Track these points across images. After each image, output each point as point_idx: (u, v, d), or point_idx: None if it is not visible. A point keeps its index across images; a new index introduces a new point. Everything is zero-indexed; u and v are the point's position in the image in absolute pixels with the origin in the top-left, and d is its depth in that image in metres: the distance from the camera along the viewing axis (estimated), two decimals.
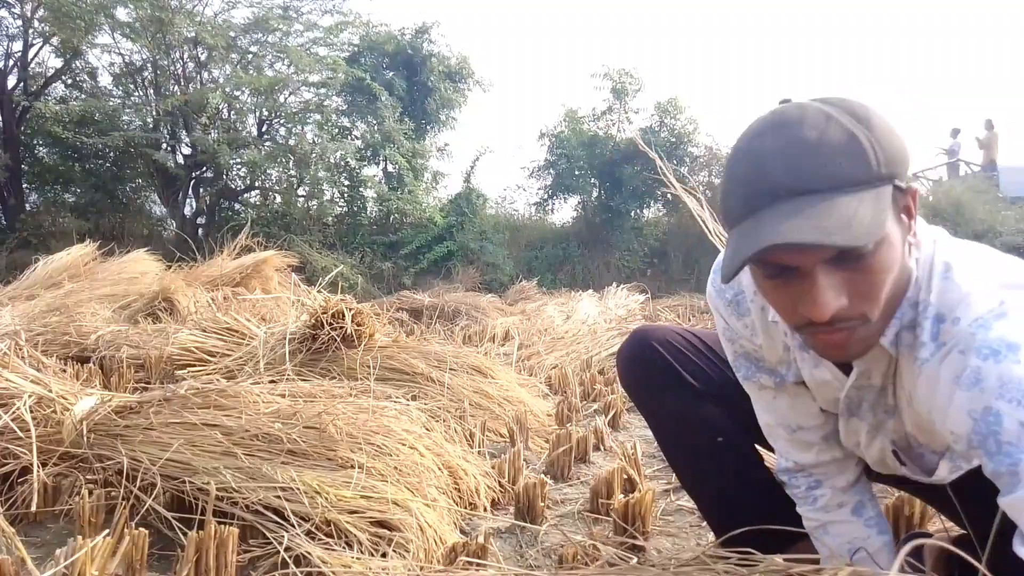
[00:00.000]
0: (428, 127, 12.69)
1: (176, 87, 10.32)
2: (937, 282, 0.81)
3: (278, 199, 11.20)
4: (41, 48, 9.76)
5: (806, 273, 0.76)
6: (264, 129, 11.23)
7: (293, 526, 1.40)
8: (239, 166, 10.62)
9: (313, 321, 2.73)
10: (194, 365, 2.87)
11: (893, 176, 0.76)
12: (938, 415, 0.81)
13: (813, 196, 0.73)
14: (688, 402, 1.23)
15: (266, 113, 11.12)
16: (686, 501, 1.84)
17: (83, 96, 10.14)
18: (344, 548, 1.38)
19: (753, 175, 0.76)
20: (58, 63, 10.11)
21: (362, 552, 1.38)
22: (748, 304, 1.02)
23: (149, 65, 10.31)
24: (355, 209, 11.74)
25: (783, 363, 1.03)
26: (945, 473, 0.94)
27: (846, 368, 0.93)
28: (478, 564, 1.31)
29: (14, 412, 1.78)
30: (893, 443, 0.98)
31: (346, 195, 11.76)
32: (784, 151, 0.74)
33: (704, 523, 1.61)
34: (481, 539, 1.38)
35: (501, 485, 1.90)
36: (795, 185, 0.73)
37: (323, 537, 1.40)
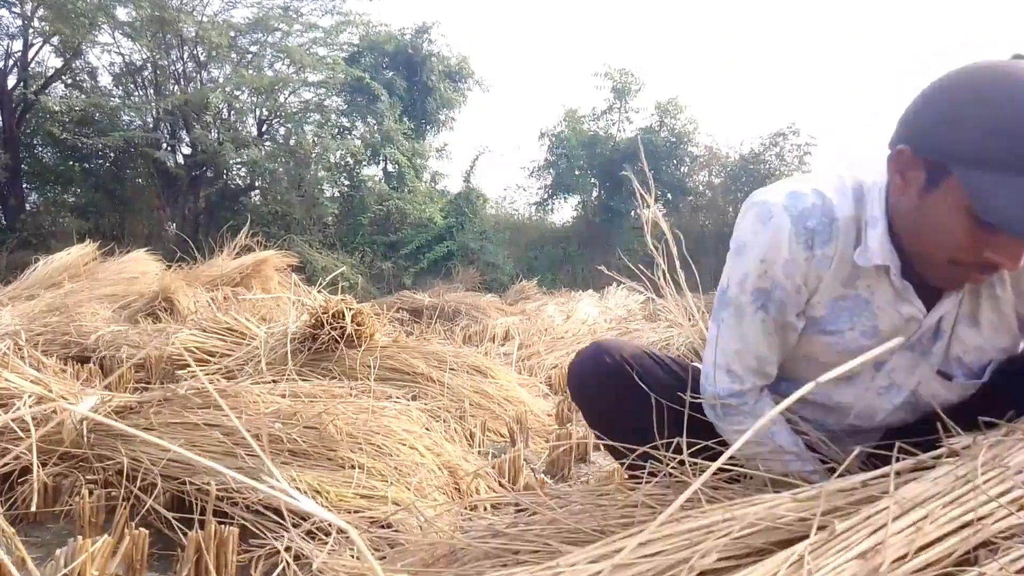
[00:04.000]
0: (428, 127, 12.69)
1: (176, 87, 10.32)
2: None
3: (278, 199, 11.21)
4: (41, 47, 9.77)
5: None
6: (264, 129, 11.24)
7: (293, 526, 1.40)
8: (239, 166, 10.63)
9: (313, 321, 2.73)
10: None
11: None
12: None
13: None
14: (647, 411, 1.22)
15: (266, 113, 11.13)
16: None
17: (83, 96, 10.14)
18: (344, 548, 1.38)
19: None
20: (58, 63, 10.14)
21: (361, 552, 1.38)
22: (839, 234, 1.05)
23: (149, 65, 10.31)
24: (355, 209, 11.76)
25: (839, 298, 1.08)
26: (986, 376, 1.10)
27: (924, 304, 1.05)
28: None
29: (14, 412, 1.78)
30: (935, 366, 1.10)
31: (346, 195, 11.77)
32: None
33: None
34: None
35: (501, 485, 1.90)
36: None
37: (323, 537, 1.40)
